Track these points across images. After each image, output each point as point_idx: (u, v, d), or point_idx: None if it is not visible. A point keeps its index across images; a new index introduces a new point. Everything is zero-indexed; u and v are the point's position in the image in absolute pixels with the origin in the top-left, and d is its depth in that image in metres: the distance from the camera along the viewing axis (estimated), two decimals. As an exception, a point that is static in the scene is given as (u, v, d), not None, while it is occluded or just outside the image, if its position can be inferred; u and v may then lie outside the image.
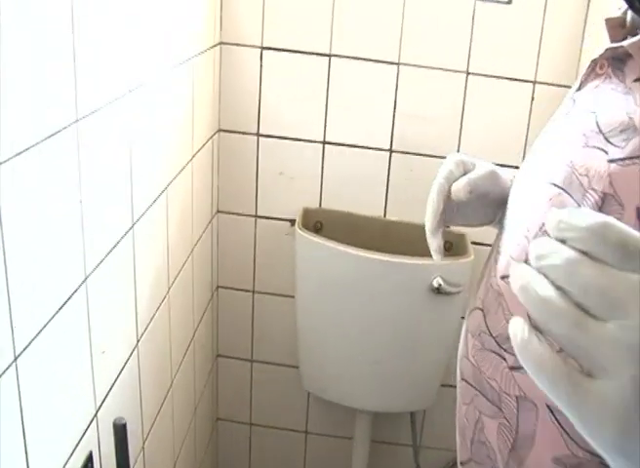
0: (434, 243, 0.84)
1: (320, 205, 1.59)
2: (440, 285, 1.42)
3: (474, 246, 1.54)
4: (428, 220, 0.83)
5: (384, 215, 1.59)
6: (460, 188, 0.77)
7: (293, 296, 1.60)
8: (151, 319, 1.16)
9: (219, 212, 1.63)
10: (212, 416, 1.84)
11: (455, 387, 0.75)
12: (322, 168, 1.56)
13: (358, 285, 1.47)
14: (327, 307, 1.52)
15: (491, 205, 0.81)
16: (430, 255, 0.87)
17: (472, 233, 1.54)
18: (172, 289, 1.27)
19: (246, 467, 1.96)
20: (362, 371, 1.56)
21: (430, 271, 1.43)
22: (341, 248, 1.44)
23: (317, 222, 1.59)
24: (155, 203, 1.12)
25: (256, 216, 1.63)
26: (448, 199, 0.79)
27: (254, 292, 1.72)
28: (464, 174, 0.79)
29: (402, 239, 1.57)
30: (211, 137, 1.50)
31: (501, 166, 0.85)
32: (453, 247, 1.56)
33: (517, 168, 1.50)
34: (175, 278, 1.29)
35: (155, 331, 1.18)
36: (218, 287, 1.72)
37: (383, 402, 1.62)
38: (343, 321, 1.51)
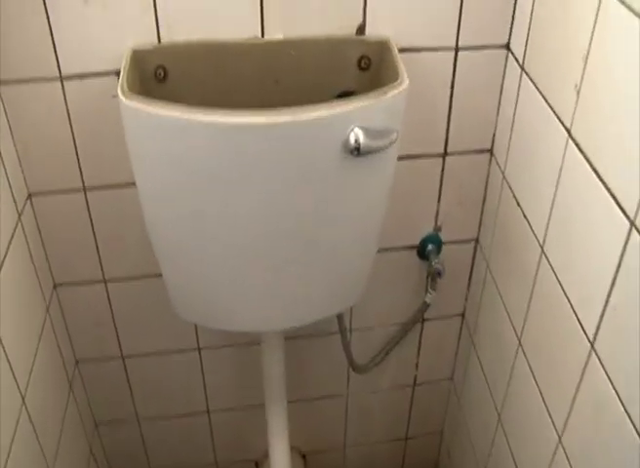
0: None
1: (159, 39, 1.01)
2: (359, 141, 0.88)
3: (406, 55, 1.04)
4: None
5: (262, 35, 1.03)
6: None
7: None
8: None
9: (-2, 82, 1.02)
10: (67, 361, 1.33)
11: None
12: (150, -23, 0.96)
13: (231, 163, 0.90)
14: (186, 201, 0.96)
15: None
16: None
17: (400, 35, 1.04)
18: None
19: (130, 406, 1.50)
20: (255, 285, 1.06)
21: (343, 122, 0.88)
22: (194, 115, 0.86)
23: (158, 68, 1.02)
24: None
25: (61, 78, 1.02)
26: None
27: (84, 189, 1.15)
28: None
29: (294, 66, 1.04)
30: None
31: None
32: (372, 64, 1.04)
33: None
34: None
35: None
36: (29, 195, 1.14)
37: (292, 318, 1.14)
38: (215, 218, 0.97)
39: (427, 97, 1.10)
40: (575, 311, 0.92)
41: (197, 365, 1.43)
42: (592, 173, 0.84)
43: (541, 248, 1.01)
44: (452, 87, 1.10)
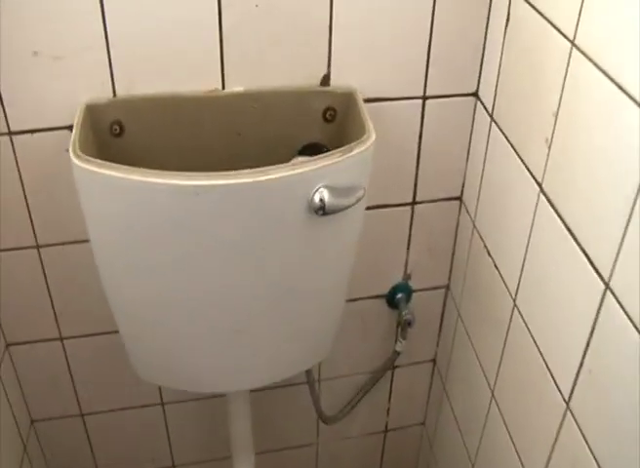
0: None
1: (114, 93, 0.96)
2: (324, 201, 0.83)
3: (373, 105, 1.01)
4: None
5: (223, 87, 0.99)
6: None
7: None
8: None
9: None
10: (21, 422, 1.26)
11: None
12: (105, 29, 0.91)
13: (188, 225, 0.85)
14: (142, 262, 0.91)
15: None
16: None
17: (367, 86, 1.01)
18: None
19: (91, 465, 1.43)
20: (218, 346, 1.01)
21: (307, 182, 0.84)
22: (148, 177, 0.81)
23: (114, 124, 0.97)
24: None
25: (9, 133, 0.97)
26: None
27: (37, 246, 1.09)
28: None
29: (257, 118, 1.00)
30: None
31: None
32: (337, 116, 1.01)
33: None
34: None
35: None
36: (-23, 254, 1.08)
37: (258, 377, 1.10)
38: (173, 279, 0.91)
39: (395, 147, 1.07)
40: (549, 369, 0.89)
41: (161, 420, 1.38)
42: (565, 230, 0.81)
43: (514, 300, 0.99)
44: (420, 135, 1.07)
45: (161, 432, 1.40)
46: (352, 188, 0.87)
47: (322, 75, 0.99)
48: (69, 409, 1.32)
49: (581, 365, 0.80)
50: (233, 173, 0.82)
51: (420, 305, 1.27)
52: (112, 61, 0.93)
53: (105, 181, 0.84)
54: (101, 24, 0.90)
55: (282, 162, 1.00)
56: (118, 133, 0.98)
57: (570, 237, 0.80)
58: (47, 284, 1.13)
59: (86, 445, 1.38)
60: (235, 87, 0.97)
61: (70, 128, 0.94)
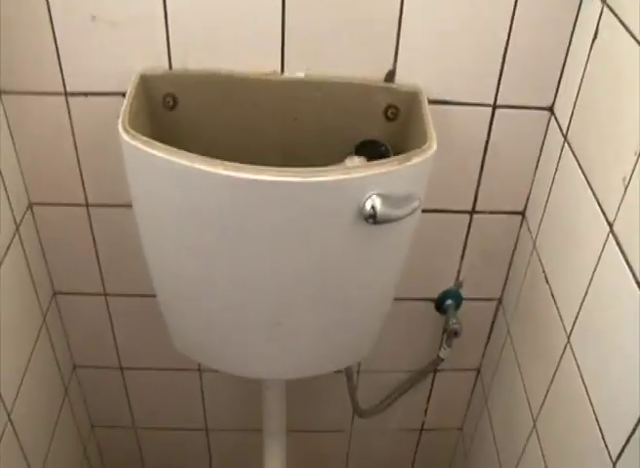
0: None
1: (170, 65, 0.93)
2: (376, 210, 0.78)
3: (438, 107, 0.94)
4: None
5: (282, 71, 0.94)
6: None
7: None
8: None
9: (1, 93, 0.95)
10: (64, 365, 1.29)
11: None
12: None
13: (234, 216, 0.82)
14: (183, 245, 0.89)
15: None
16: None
17: (434, 87, 0.93)
18: None
19: (127, 414, 1.45)
20: (258, 336, 0.98)
21: (359, 188, 0.78)
22: (196, 164, 0.76)
23: (167, 97, 0.94)
24: None
25: (65, 94, 0.96)
26: None
27: (87, 204, 1.09)
28: None
29: (315, 106, 0.94)
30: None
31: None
32: (399, 115, 0.94)
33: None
34: None
35: None
36: (31, 204, 1.08)
37: (296, 369, 1.07)
38: (216, 268, 0.89)
39: (458, 152, 0.99)
40: (599, 424, 0.80)
41: (197, 385, 1.38)
42: (633, 281, 0.72)
43: (568, 337, 0.90)
44: (486, 144, 0.99)
45: (196, 396, 1.40)
46: (407, 198, 0.81)
47: (387, 70, 0.92)
48: (110, 361, 1.33)
49: (635, 430, 0.72)
50: (283, 170, 0.77)
51: (469, 314, 1.21)
52: (170, 33, 0.90)
53: (151, 160, 0.81)
54: (161, -6, 0.86)
55: (337, 154, 0.95)
56: (171, 105, 0.95)
57: (637, 289, 0.72)
58: (94, 242, 1.14)
59: (124, 397, 1.41)
60: (294, 71, 0.92)
61: (124, 94, 0.92)
